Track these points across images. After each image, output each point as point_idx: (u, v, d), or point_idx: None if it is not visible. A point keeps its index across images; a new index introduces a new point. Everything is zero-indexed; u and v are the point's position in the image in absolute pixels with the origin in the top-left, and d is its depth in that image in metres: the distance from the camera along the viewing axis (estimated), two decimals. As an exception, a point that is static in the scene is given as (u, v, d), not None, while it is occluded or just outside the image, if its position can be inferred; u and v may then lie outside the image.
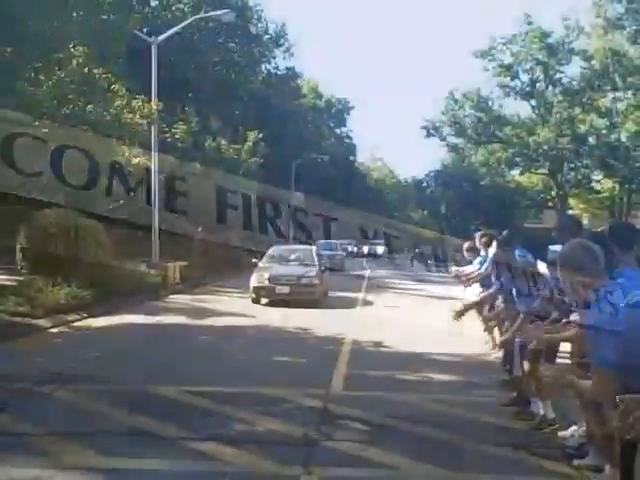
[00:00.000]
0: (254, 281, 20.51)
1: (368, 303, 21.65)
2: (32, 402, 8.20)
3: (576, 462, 6.24)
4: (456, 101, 58.94)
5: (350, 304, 21.03)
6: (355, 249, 54.99)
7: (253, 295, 20.35)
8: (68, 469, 5.87)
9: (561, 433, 7.05)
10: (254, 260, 22.82)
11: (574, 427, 6.81)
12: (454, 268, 13.00)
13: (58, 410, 7.88)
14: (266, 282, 20.21)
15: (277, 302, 19.57)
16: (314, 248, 24.33)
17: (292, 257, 22.89)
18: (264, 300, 20.14)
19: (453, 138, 62.79)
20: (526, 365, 7.74)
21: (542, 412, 7.49)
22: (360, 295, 23.96)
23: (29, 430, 6.97)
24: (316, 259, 22.75)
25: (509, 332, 8.13)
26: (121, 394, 8.64)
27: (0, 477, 5.70)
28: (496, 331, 11.61)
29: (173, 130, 29.49)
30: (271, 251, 23.57)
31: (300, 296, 19.77)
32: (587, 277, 4.46)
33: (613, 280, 4.36)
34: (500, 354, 11.25)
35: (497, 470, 6.24)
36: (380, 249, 56.94)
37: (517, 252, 8.00)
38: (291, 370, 10.65)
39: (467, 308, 9.93)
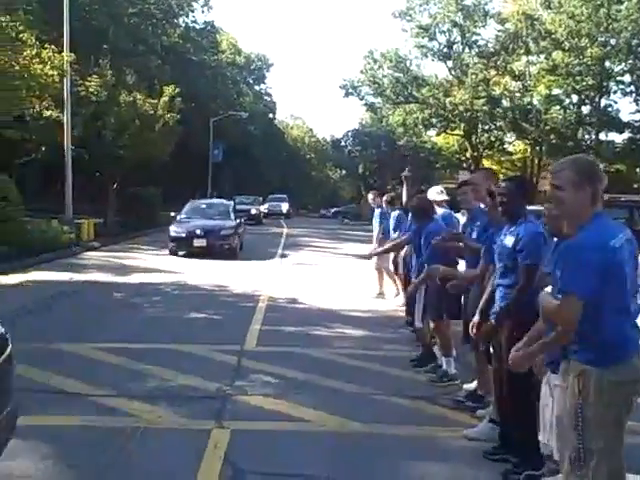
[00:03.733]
0: (172, 233, 21.48)
1: (285, 259, 21.82)
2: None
3: (479, 412, 6.53)
4: (375, 61, 59.07)
5: (267, 257, 22.15)
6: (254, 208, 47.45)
7: (171, 245, 21.32)
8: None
9: (466, 386, 7.35)
10: (172, 214, 24.10)
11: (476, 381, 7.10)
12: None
13: (-35, 368, 7.70)
14: (183, 235, 21.11)
15: (194, 254, 20.56)
16: (231, 203, 25.80)
17: (210, 211, 23.63)
18: (181, 252, 21.14)
19: (371, 98, 63.10)
20: (431, 323, 8.03)
21: (444, 367, 7.80)
22: (277, 251, 24.13)
23: None
24: (232, 213, 23.54)
25: (412, 285, 8.46)
26: (33, 351, 8.48)
27: None
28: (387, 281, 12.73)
29: (87, 83, 28.57)
30: (189, 205, 24.49)
31: (217, 249, 20.74)
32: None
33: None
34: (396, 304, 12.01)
35: (405, 421, 6.47)
36: (284, 207, 59.70)
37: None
38: (206, 326, 10.68)
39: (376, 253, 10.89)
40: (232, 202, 26.11)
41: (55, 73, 17.80)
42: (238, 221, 23.34)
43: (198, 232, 20.84)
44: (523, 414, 5.25)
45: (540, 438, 4.85)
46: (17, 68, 16.19)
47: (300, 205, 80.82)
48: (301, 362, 8.41)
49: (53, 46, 18.45)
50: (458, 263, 7.67)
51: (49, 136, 27.15)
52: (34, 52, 17.05)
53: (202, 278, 15.94)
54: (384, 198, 13.31)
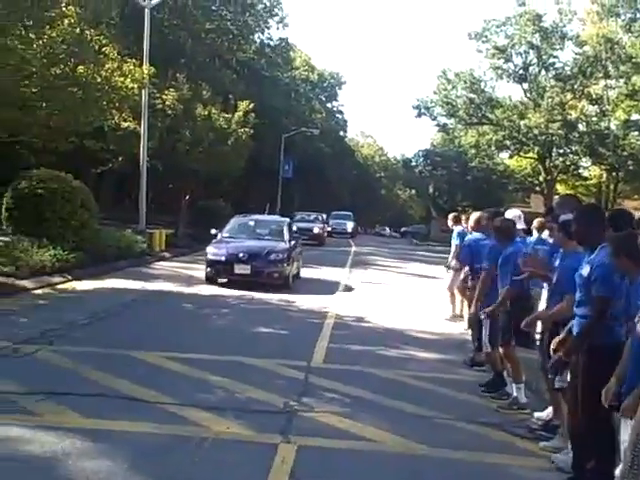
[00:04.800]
0: (210, 255, 17.21)
1: (351, 276, 21.72)
2: (15, 361, 8.22)
3: (541, 444, 6.39)
4: (449, 81, 58.61)
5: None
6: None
7: (208, 270, 17.05)
8: (50, 428, 5.91)
9: (537, 414, 7.18)
10: (213, 231, 19.10)
11: (550, 409, 6.92)
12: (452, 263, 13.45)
13: (41, 370, 7.92)
14: (222, 258, 16.87)
15: (236, 283, 16.42)
16: (286, 220, 21.20)
17: (259, 230, 19.21)
18: (221, 279, 16.97)
19: (444, 118, 62.58)
20: (500, 349, 7.87)
21: (514, 394, 7.63)
22: (344, 271, 24.06)
23: (12, 389, 6.99)
24: (287, 233, 18.93)
25: (472, 307, 8.40)
26: (103, 357, 8.67)
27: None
28: (458, 303, 12.43)
29: (164, 96, 29.23)
30: (233, 221, 19.98)
31: (264, 277, 16.61)
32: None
33: None
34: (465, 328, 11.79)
35: (470, 447, 6.34)
36: (349, 225, 54.67)
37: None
38: (273, 341, 10.73)
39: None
40: (288, 219, 21.66)
41: (135, 86, 18.23)
42: (293, 243, 18.68)
43: (241, 255, 16.66)
44: (599, 446, 5.08)
45: (617, 473, 4.69)
46: (99, 80, 16.62)
47: (369, 223, 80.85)
48: (368, 381, 8.35)
49: (134, 60, 18.89)
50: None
51: (126, 147, 27.83)
52: (115, 65, 17.48)
53: (269, 293, 15.99)
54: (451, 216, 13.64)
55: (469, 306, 11.31)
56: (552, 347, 5.72)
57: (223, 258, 16.83)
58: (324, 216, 46.63)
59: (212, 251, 17.22)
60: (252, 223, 19.95)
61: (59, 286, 15.00)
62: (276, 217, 21.78)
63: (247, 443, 5.99)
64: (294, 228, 21.63)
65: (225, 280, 16.79)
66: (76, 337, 9.84)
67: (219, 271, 16.91)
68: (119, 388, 7.29)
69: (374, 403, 7.48)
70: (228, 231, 18.90)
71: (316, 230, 38.57)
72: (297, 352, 9.72)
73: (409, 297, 17.30)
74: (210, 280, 16.91)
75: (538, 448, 6.36)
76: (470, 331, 10.08)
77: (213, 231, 19.02)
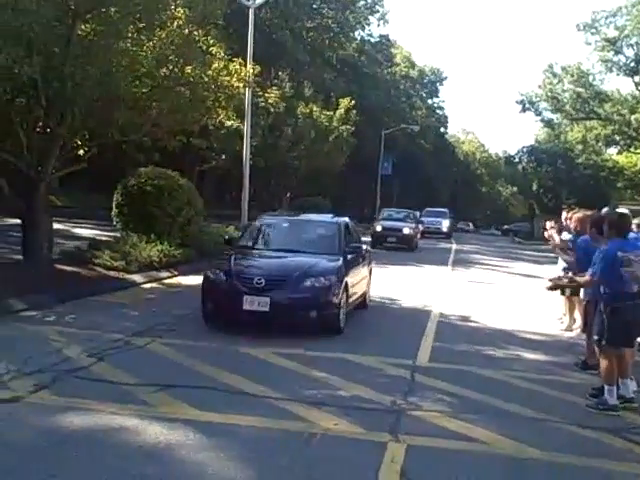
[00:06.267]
0: (210, 278, 12.91)
1: (454, 275, 21.41)
2: (128, 354, 8.50)
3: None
4: (555, 75, 57.10)
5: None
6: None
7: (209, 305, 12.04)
8: (164, 419, 6.06)
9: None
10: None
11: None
12: (549, 225, 13.01)
13: (152, 363, 8.15)
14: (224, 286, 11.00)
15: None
16: (343, 221, 16.73)
17: (296, 236, 17.14)
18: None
19: (549, 113, 61.03)
20: (601, 347, 7.54)
21: (606, 395, 7.34)
22: (447, 268, 23.77)
23: (127, 380, 7.22)
24: (341, 242, 13.37)
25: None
26: (212, 351, 8.85)
27: (97, 423, 5.93)
28: (577, 313, 11.82)
29: (266, 95, 29.67)
30: (258, 223, 17.95)
31: (290, 318, 10.14)
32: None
33: None
34: (574, 334, 11.50)
35: (587, 453, 6.11)
36: (444, 224, 46.79)
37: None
38: (377, 338, 10.68)
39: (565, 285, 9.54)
40: (346, 221, 13.39)
41: (241, 85, 18.50)
42: (351, 257, 11.85)
43: (256, 282, 10.16)
44: None
45: None
46: (206, 80, 16.96)
47: (470, 221, 79.64)
48: (475, 382, 8.19)
49: (240, 59, 19.20)
50: None
51: (229, 145, 28.40)
52: (222, 65, 17.78)
53: (372, 289, 15.91)
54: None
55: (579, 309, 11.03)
56: None
57: (226, 286, 10.53)
58: (417, 214, 38.17)
59: (212, 275, 10.98)
60: (286, 225, 13.45)
61: (166, 281, 15.43)
62: (325, 217, 14.33)
63: (355, 440, 5.97)
64: (378, 228, 20.97)
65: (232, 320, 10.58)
66: (185, 331, 10.07)
67: (220, 308, 10.65)
68: (228, 382, 7.41)
69: (482, 404, 7.32)
70: (249, 237, 12.81)
71: (406, 231, 30.46)
72: (401, 350, 9.64)
73: (516, 297, 16.89)
74: (210, 319, 10.74)
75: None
76: (583, 334, 9.75)
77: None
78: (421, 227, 37.27)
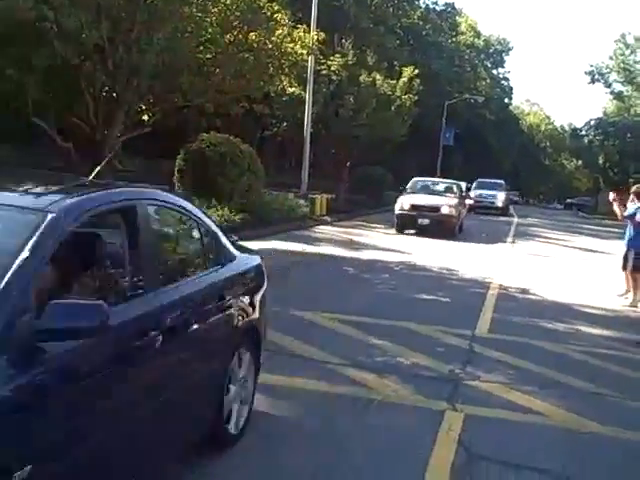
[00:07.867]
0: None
1: (515, 248, 21.15)
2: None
3: None
4: (627, 45, 55.35)
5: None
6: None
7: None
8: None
9: None
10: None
11: None
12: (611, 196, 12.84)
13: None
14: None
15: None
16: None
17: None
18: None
19: (620, 85, 59.29)
20: None
21: None
22: (507, 241, 23.48)
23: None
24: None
25: None
26: (272, 316, 8.90)
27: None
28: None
29: (329, 62, 29.49)
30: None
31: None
32: None
33: None
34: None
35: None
36: (500, 197, 41.10)
37: None
38: (436, 308, 10.65)
39: None
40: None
41: (304, 52, 18.49)
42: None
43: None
44: None
45: None
46: (270, 46, 17.00)
47: (533, 194, 78.22)
48: (534, 354, 8.10)
49: (304, 26, 19.15)
50: None
51: (290, 112, 28.39)
52: (286, 31, 17.78)
53: (430, 259, 15.87)
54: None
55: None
56: None
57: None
58: (462, 185, 29.42)
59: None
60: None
61: (228, 245, 15.57)
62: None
63: (413, 408, 5.98)
64: (405, 205, 21.05)
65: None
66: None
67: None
68: (288, 346, 7.46)
69: (541, 376, 7.24)
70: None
71: (445, 210, 22.37)
72: (461, 321, 9.59)
73: (578, 271, 16.63)
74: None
75: None
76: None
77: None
78: (470, 202, 30.53)
